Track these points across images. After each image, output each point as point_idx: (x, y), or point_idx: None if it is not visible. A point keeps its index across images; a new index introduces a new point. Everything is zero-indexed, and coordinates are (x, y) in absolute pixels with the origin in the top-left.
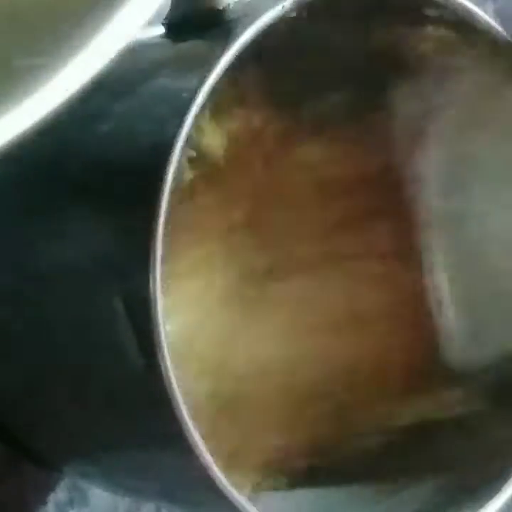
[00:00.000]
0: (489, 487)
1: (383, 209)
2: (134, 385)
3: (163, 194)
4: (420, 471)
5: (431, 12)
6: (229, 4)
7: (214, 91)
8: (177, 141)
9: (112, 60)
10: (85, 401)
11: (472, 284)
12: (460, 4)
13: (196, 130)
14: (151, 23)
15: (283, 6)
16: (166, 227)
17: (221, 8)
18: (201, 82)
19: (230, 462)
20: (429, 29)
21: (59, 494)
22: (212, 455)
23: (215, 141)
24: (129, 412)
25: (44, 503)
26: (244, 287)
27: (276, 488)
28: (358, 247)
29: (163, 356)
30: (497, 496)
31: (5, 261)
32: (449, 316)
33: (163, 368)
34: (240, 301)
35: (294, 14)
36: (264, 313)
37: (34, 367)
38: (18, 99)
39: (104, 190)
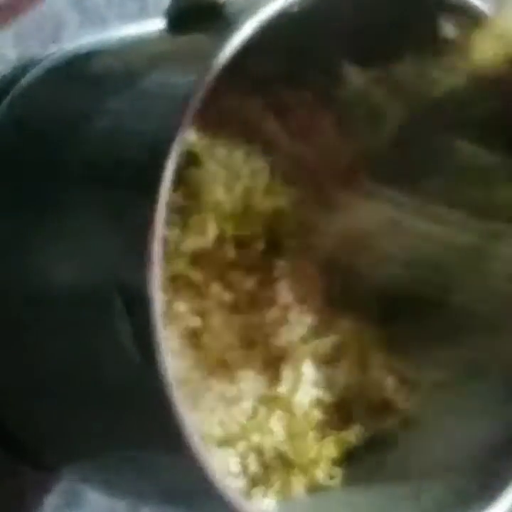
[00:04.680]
0: (491, 491)
1: None
2: (132, 385)
3: (162, 192)
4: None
5: None
6: None
7: None
8: (176, 138)
9: None
10: (84, 401)
11: None
12: None
13: None
14: (150, 16)
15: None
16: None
17: (222, 1)
18: (201, 76)
19: None
20: None
21: (56, 497)
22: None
23: None
24: (127, 411)
25: (41, 506)
26: None
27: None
28: None
29: (162, 355)
30: (499, 499)
31: (3, 260)
32: None
33: (162, 367)
34: None
35: (296, 8)
36: None
37: (33, 367)
38: None
39: (102, 188)
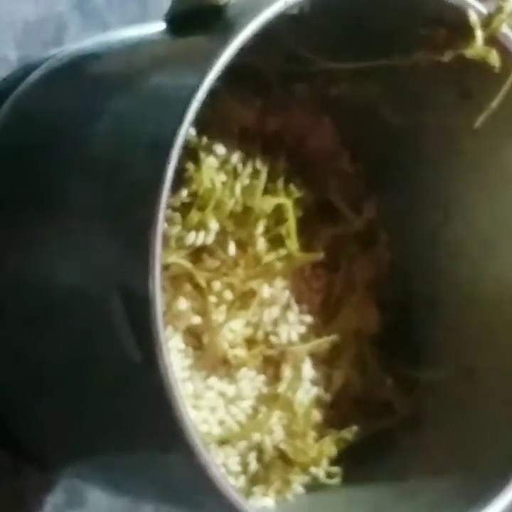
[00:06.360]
0: (491, 490)
1: None
2: (132, 384)
3: (162, 193)
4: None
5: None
6: (230, 0)
7: None
8: (176, 140)
9: None
10: (84, 401)
11: None
12: None
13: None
14: (151, 18)
15: (286, 2)
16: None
17: (222, 3)
18: (202, 78)
19: None
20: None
21: (57, 496)
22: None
23: None
24: (128, 411)
25: (42, 504)
26: None
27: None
28: None
29: (162, 355)
30: (498, 498)
31: (4, 260)
32: None
33: (162, 367)
34: None
35: (295, 11)
36: None
37: (33, 367)
38: None
39: (103, 189)
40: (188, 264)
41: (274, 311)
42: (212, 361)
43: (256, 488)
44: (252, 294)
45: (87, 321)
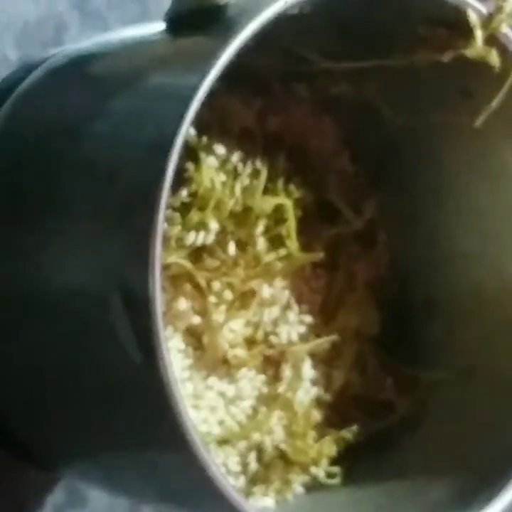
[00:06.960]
0: (491, 490)
1: None
2: (133, 384)
3: (162, 193)
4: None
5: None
6: (230, 0)
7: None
8: (176, 140)
9: None
10: (85, 401)
11: None
12: None
13: None
14: (151, 18)
15: (285, 2)
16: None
17: (222, 3)
18: (202, 78)
19: None
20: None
21: (57, 496)
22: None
23: None
24: (128, 411)
25: (42, 504)
26: None
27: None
28: None
29: (162, 355)
30: (498, 499)
31: (4, 261)
32: None
33: (162, 367)
34: None
35: (295, 11)
36: None
37: (33, 366)
38: None
39: (103, 189)
40: (188, 264)
41: (274, 311)
42: (212, 361)
43: (256, 488)
44: (252, 294)
45: (87, 321)
